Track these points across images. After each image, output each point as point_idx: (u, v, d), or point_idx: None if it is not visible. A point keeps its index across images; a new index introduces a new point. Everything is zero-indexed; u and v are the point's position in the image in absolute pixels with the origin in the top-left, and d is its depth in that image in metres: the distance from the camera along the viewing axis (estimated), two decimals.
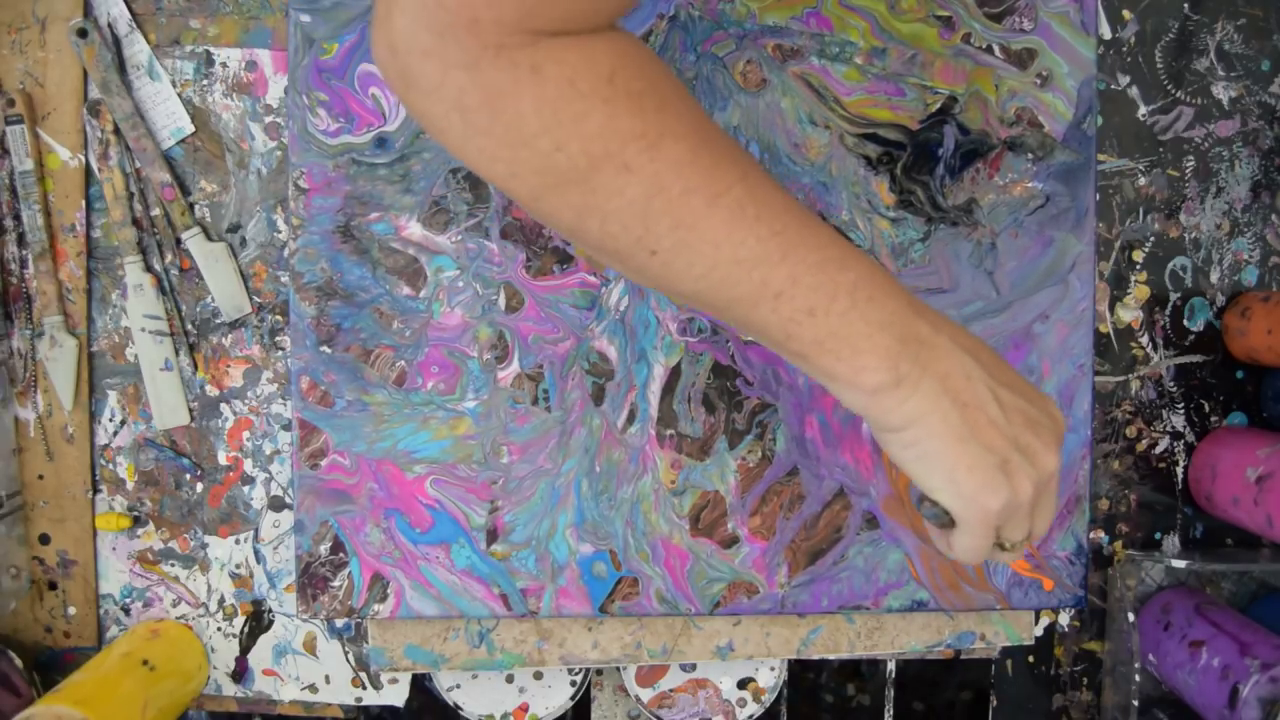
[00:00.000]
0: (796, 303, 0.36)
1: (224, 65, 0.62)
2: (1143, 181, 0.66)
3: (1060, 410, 0.41)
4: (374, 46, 0.35)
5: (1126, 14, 0.65)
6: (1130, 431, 0.67)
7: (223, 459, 0.64)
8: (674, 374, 0.58)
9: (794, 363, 0.39)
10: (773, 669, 0.65)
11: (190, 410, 0.63)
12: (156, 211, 0.62)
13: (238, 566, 0.64)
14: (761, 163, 0.58)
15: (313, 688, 0.65)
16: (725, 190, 0.35)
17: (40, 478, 0.63)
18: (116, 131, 0.61)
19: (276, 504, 0.64)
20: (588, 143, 0.34)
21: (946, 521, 0.41)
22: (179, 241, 0.62)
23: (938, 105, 0.58)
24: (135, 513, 0.64)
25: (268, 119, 0.62)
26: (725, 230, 0.35)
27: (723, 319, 0.39)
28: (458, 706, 0.64)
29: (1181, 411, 0.67)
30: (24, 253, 0.62)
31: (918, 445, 0.38)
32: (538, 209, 0.36)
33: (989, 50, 0.58)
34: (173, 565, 0.64)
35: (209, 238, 0.62)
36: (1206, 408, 0.67)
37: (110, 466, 0.64)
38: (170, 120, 0.62)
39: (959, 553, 0.40)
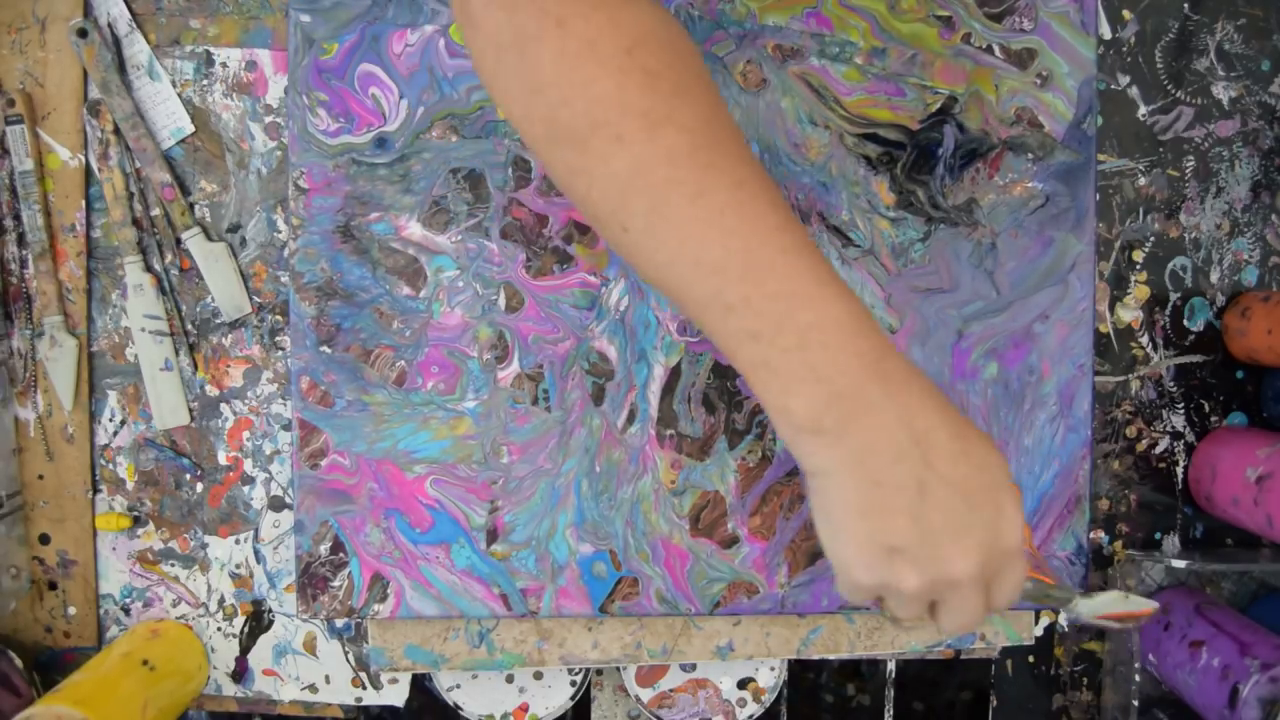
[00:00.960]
0: (744, 322, 0.36)
1: (224, 65, 0.62)
2: (1143, 181, 0.66)
3: (1015, 521, 0.37)
4: None
5: (1126, 14, 0.65)
6: (1130, 431, 0.67)
7: (223, 459, 0.64)
8: (674, 374, 0.58)
9: (731, 363, 0.38)
10: (773, 669, 0.65)
11: (190, 410, 0.63)
12: (156, 211, 0.62)
13: (238, 566, 0.64)
14: (761, 162, 0.58)
15: (313, 688, 0.65)
16: (710, 191, 0.35)
17: (40, 478, 0.63)
18: (116, 131, 0.61)
19: (276, 504, 0.64)
20: (591, 105, 0.34)
21: None
22: (179, 241, 0.62)
23: (938, 105, 0.58)
24: (135, 513, 0.64)
25: (268, 119, 0.62)
26: (697, 229, 0.35)
27: (677, 307, 0.39)
28: (458, 706, 0.64)
29: (1181, 411, 0.67)
30: (24, 253, 0.62)
31: (819, 495, 0.37)
32: (542, 158, 0.37)
33: (989, 50, 0.58)
34: (173, 565, 0.64)
35: (209, 238, 0.62)
36: (1206, 408, 0.67)
37: (110, 466, 0.64)
38: (170, 120, 0.62)
39: (841, 588, 0.39)
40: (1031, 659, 0.69)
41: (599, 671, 0.68)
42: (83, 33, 0.59)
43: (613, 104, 0.34)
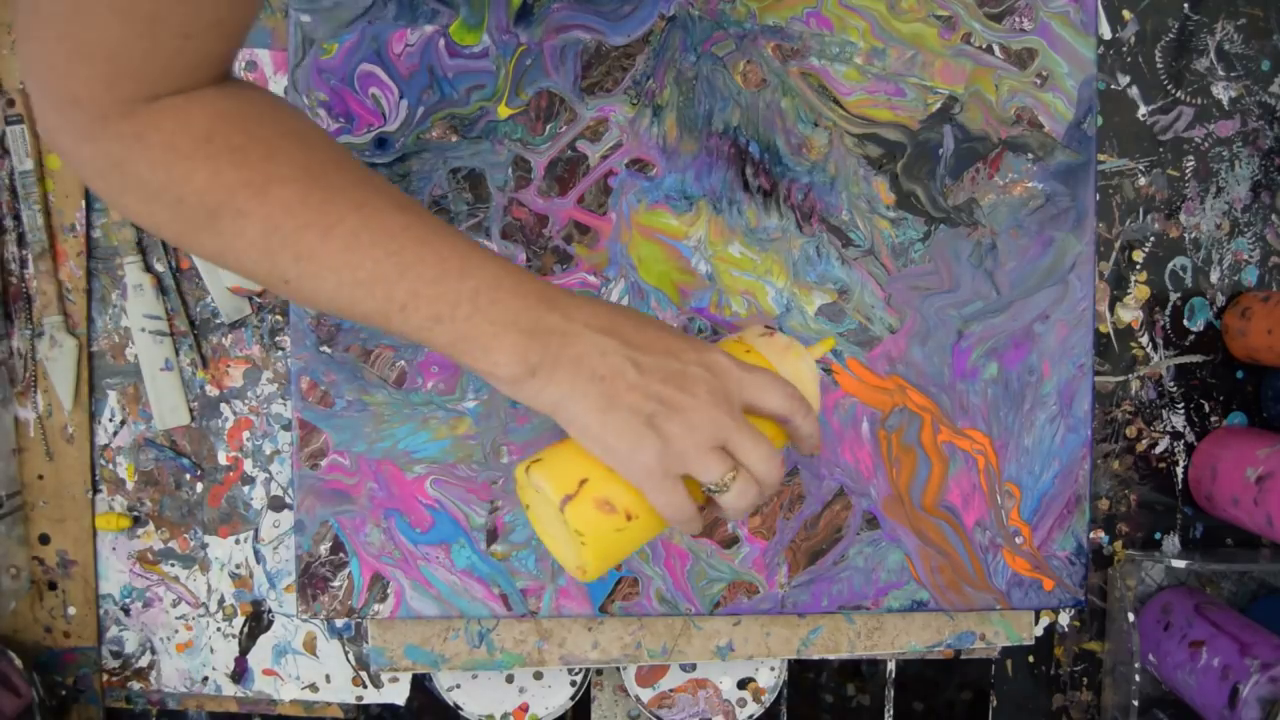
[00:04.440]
0: (422, 313, 0.40)
1: None
2: (1143, 181, 0.66)
3: (725, 360, 0.43)
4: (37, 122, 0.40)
5: (1126, 14, 0.65)
6: (1130, 431, 0.67)
7: (223, 459, 0.64)
8: None
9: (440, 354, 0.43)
10: (773, 669, 0.65)
11: (190, 410, 0.63)
12: None
13: (238, 566, 0.64)
14: (761, 162, 0.58)
15: (313, 687, 0.65)
16: (338, 222, 0.39)
17: (40, 478, 0.63)
18: None
19: (276, 504, 0.64)
20: (202, 195, 0.38)
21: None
22: None
23: (938, 105, 0.58)
24: (135, 513, 0.64)
25: None
26: (343, 257, 0.39)
27: (370, 326, 0.43)
28: (458, 706, 0.64)
29: (1181, 411, 0.67)
30: (24, 253, 0.62)
31: (574, 423, 0.41)
32: (189, 250, 0.42)
33: (989, 50, 0.58)
34: (173, 565, 0.64)
35: None
36: (1206, 408, 0.67)
37: (110, 466, 0.64)
38: None
39: (670, 514, 0.42)
40: (1031, 659, 0.69)
41: (599, 671, 0.68)
42: None
43: (218, 187, 0.38)
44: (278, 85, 0.62)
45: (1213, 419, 0.67)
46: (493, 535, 0.58)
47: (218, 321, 0.63)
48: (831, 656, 0.63)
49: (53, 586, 0.64)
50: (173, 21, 0.36)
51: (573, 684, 0.65)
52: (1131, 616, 0.64)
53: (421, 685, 0.68)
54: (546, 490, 0.42)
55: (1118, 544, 0.68)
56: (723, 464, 0.41)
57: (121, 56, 0.36)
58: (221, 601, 0.65)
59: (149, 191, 0.38)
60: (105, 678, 0.65)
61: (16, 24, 0.37)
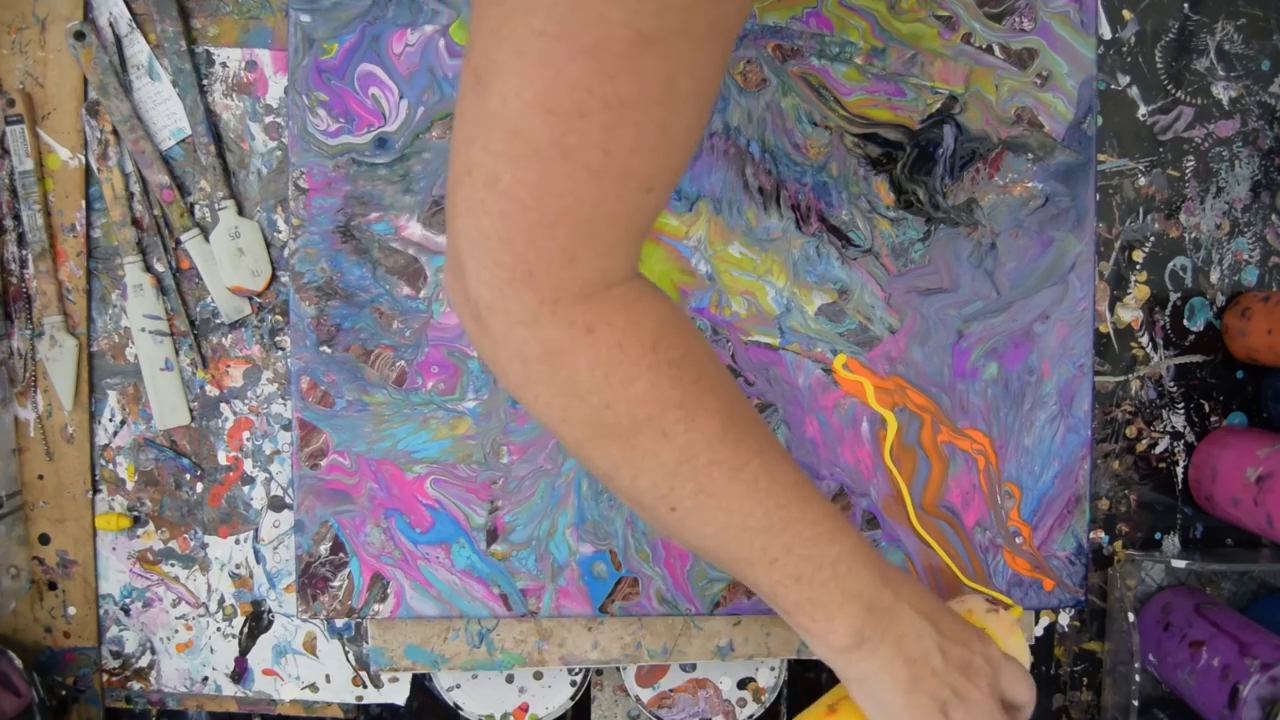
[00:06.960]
0: (787, 569, 0.41)
1: (224, 65, 0.62)
2: (1143, 181, 0.66)
3: (997, 652, 0.45)
4: (449, 292, 0.38)
5: (1126, 14, 0.65)
6: (1130, 431, 0.67)
7: (223, 459, 0.64)
8: None
9: (773, 609, 0.43)
10: (773, 669, 0.65)
11: (190, 410, 0.63)
12: (157, 211, 0.62)
13: (238, 566, 0.64)
14: (761, 162, 0.58)
15: (313, 687, 0.65)
16: (745, 465, 0.39)
17: (40, 478, 0.63)
18: (115, 132, 0.61)
19: (276, 504, 0.64)
20: (633, 405, 0.37)
21: None
22: (179, 243, 0.62)
23: (938, 105, 0.58)
24: (135, 513, 0.64)
25: (268, 119, 0.62)
26: (740, 501, 0.39)
27: (717, 567, 0.43)
28: (458, 706, 0.64)
29: (1181, 411, 0.67)
30: (24, 253, 0.62)
31: (872, 695, 0.43)
32: (578, 453, 0.39)
33: (989, 50, 0.58)
34: (173, 565, 0.64)
35: (208, 239, 0.62)
36: (1206, 408, 0.67)
37: (110, 466, 0.64)
38: (170, 120, 0.62)
39: None
40: (1032, 659, 0.69)
41: (599, 671, 0.68)
42: (80, 35, 0.59)
43: (652, 400, 0.37)
44: (277, 85, 0.62)
45: (1213, 419, 0.67)
46: (493, 535, 0.58)
47: (218, 321, 0.63)
48: None
49: (53, 586, 0.64)
50: (643, 175, 0.34)
51: (573, 684, 0.65)
52: (1131, 616, 0.64)
53: (421, 685, 0.68)
54: None
55: (1118, 544, 0.68)
56: None
57: (586, 223, 0.34)
58: (221, 601, 0.65)
59: (576, 389, 0.36)
60: (105, 678, 0.65)
61: (460, 198, 0.34)
